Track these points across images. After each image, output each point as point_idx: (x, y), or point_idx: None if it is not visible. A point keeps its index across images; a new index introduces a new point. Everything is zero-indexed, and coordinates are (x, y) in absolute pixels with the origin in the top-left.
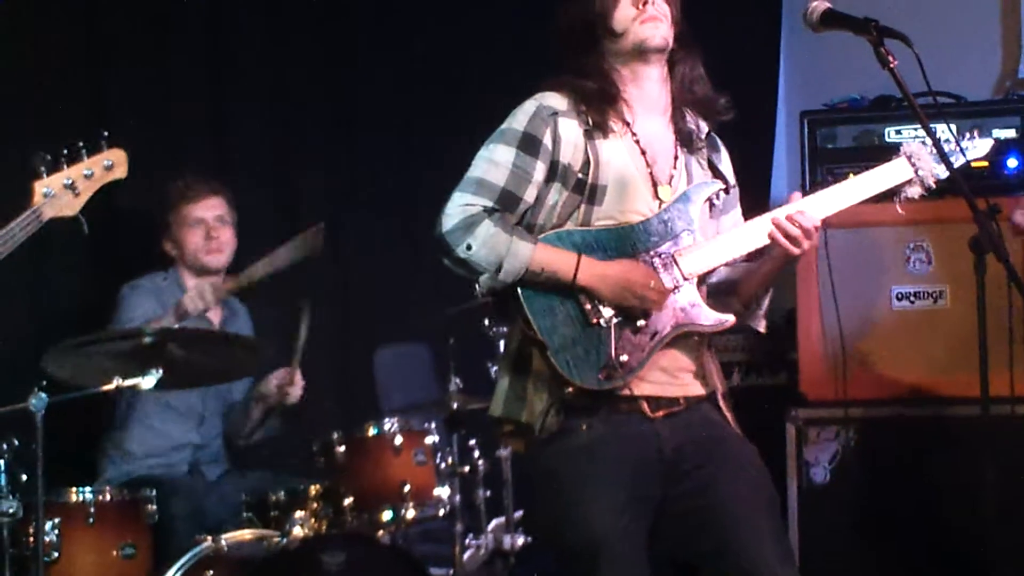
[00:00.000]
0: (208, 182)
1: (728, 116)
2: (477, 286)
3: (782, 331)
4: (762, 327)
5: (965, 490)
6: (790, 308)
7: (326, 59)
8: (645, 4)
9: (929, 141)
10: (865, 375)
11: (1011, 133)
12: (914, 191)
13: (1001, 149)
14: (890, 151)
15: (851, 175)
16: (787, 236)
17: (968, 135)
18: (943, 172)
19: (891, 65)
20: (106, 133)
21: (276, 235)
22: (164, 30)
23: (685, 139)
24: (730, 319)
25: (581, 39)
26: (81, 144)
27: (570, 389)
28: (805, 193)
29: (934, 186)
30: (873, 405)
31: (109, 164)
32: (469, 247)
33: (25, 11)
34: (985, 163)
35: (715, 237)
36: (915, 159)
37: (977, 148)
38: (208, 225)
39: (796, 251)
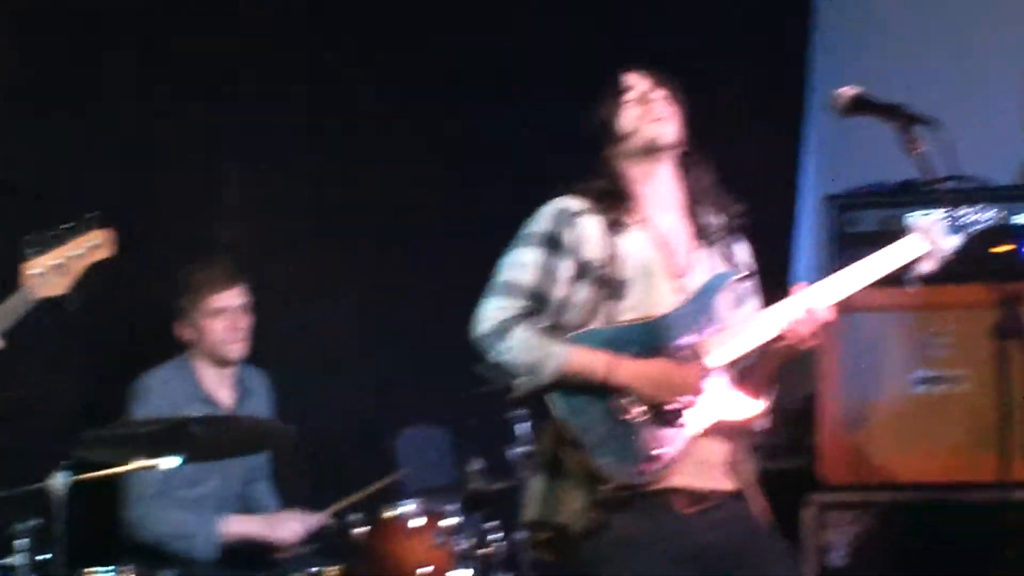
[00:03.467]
0: (229, 270)
1: (741, 221)
2: (513, 389)
3: (801, 415)
4: (766, 426)
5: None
6: (810, 392)
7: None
8: (651, 103)
9: (938, 215)
10: (884, 459)
11: None
12: (928, 266)
13: None
14: None
15: None
16: (798, 333)
17: (978, 206)
18: (955, 243)
19: (917, 150)
20: (91, 215)
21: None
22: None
23: (701, 233)
24: (760, 406)
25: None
26: (70, 226)
27: (607, 486)
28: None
29: (946, 258)
30: (892, 490)
31: (96, 244)
32: (504, 351)
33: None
34: (1009, 247)
35: (737, 326)
36: (927, 233)
37: (986, 218)
38: (231, 315)
39: (804, 346)
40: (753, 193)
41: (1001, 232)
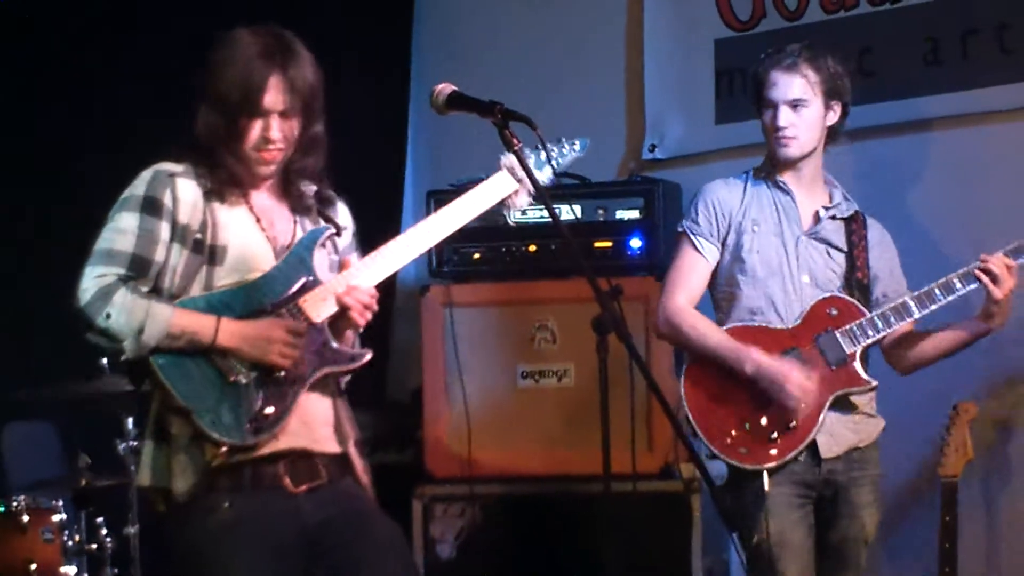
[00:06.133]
0: None
1: (326, 197)
2: (121, 357)
3: (409, 408)
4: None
5: (588, 566)
6: (417, 386)
7: None
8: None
9: (527, 151)
10: (491, 453)
11: (634, 214)
12: (522, 200)
13: (624, 230)
14: (518, 230)
15: (475, 255)
16: (355, 308)
17: (568, 141)
18: (545, 178)
19: (515, 147)
20: None
21: None
22: None
23: (296, 202)
24: (367, 354)
25: (213, 115)
26: None
27: (223, 449)
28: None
29: (539, 191)
30: (498, 482)
31: None
32: (108, 315)
33: None
34: (609, 243)
35: (332, 282)
36: (515, 170)
37: (576, 150)
38: None
39: (364, 319)
40: (360, 187)
41: (602, 227)
